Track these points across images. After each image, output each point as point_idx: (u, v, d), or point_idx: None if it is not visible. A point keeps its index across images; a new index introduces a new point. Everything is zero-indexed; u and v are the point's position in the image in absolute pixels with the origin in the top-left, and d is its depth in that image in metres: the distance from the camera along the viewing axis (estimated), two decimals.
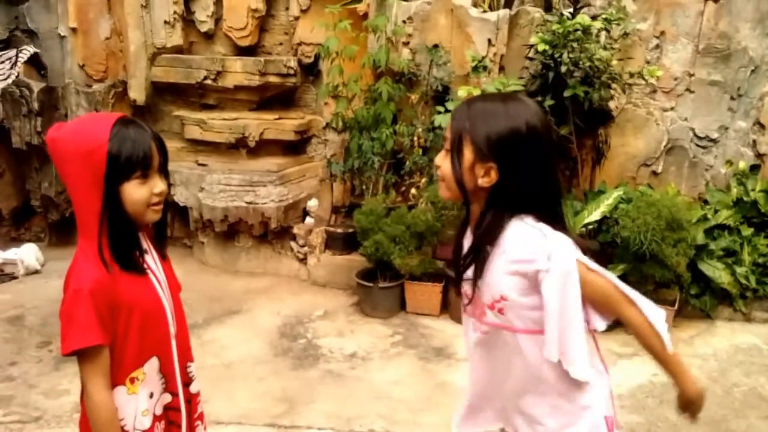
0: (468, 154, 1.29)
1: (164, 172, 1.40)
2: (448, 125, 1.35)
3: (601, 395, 1.38)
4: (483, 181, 1.29)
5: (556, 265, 1.24)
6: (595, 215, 3.87)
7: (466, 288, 1.40)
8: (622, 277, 3.67)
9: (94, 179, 1.29)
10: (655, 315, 1.33)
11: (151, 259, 1.45)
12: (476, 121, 1.29)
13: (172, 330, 1.45)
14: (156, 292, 1.43)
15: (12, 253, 4.65)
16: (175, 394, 1.49)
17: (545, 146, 1.31)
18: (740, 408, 2.97)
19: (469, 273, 1.37)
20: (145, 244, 1.44)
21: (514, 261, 1.28)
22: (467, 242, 1.41)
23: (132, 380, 1.38)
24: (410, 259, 3.87)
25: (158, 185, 1.37)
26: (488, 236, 1.31)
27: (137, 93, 4.80)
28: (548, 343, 1.28)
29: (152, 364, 1.42)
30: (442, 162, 1.35)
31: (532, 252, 1.26)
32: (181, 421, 1.50)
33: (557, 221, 1.32)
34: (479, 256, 1.32)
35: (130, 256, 1.37)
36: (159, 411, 1.45)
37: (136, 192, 1.33)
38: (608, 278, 1.32)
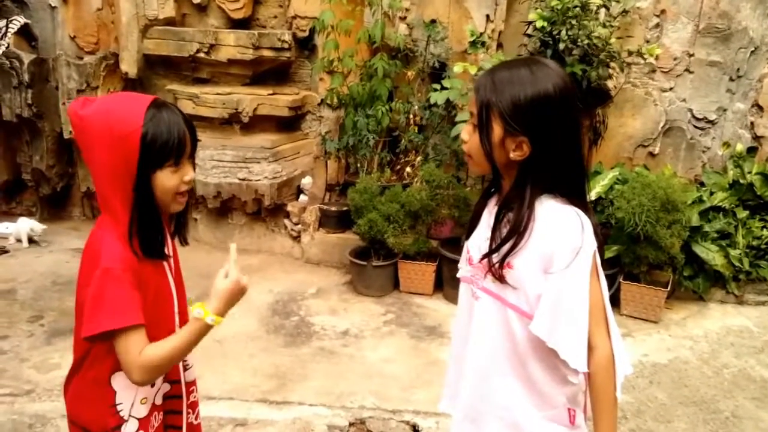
0: (497, 128, 1.22)
1: (193, 158, 1.36)
2: (472, 98, 1.27)
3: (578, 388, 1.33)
4: (515, 155, 1.22)
5: (579, 246, 1.19)
6: (591, 196, 3.86)
7: (473, 253, 1.35)
8: (616, 259, 3.71)
9: (125, 164, 1.23)
10: (621, 354, 1.26)
11: (168, 245, 1.43)
12: (502, 90, 1.21)
13: (177, 318, 1.44)
14: (168, 279, 1.41)
15: (3, 227, 4.62)
16: (174, 382, 1.48)
17: (575, 111, 1.24)
18: (729, 389, 3.00)
19: (482, 244, 1.31)
20: (167, 230, 1.41)
21: (541, 236, 1.22)
22: (488, 215, 1.35)
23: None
24: (404, 238, 3.85)
25: (189, 173, 1.32)
26: (520, 213, 1.23)
27: (129, 66, 4.72)
28: (539, 316, 1.22)
29: None
30: (469, 137, 1.28)
31: (564, 230, 1.21)
32: (182, 408, 1.50)
33: (583, 202, 1.27)
34: (512, 234, 1.25)
35: (155, 243, 1.33)
36: (159, 401, 1.44)
37: (168, 180, 1.28)
38: (602, 293, 1.26)
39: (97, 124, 1.23)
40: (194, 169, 1.36)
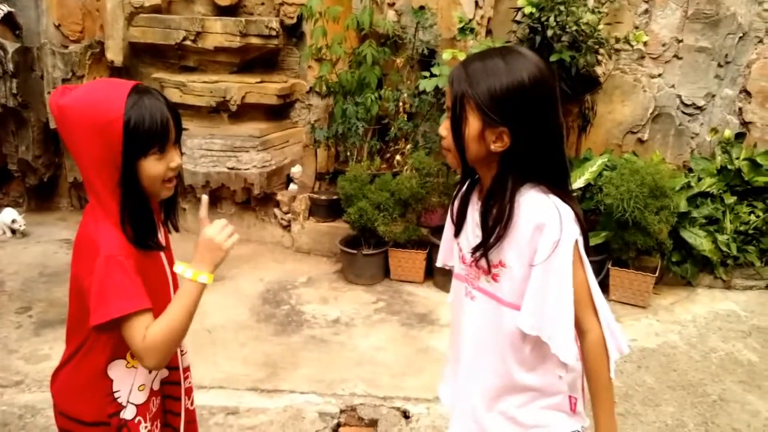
0: (474, 121, 1.19)
1: (178, 143, 1.33)
2: (448, 91, 1.24)
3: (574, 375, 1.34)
4: (496, 147, 1.20)
5: (558, 239, 1.19)
6: (579, 182, 3.87)
7: (465, 252, 1.35)
8: (605, 245, 3.73)
9: (109, 154, 1.20)
10: (615, 335, 1.26)
11: (161, 234, 1.41)
12: (477, 82, 1.18)
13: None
14: (163, 267, 1.40)
15: None
16: (173, 368, 1.47)
17: (554, 98, 1.22)
18: (717, 372, 3.03)
19: (473, 239, 1.30)
20: (156, 218, 1.39)
21: (525, 229, 1.21)
22: (472, 210, 1.33)
23: (133, 354, 1.34)
24: (394, 226, 3.85)
25: (175, 159, 1.29)
26: (503, 205, 1.22)
27: (114, 54, 4.66)
28: (524, 311, 1.22)
29: None
30: (447, 132, 1.25)
31: (544, 223, 1.19)
32: (180, 394, 1.49)
33: (566, 192, 1.26)
34: (496, 227, 1.23)
35: (146, 232, 1.31)
36: (156, 386, 1.44)
37: (153, 168, 1.25)
38: (588, 277, 1.26)
39: (78, 114, 1.20)
40: (180, 155, 1.34)
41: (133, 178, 1.24)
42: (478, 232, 1.29)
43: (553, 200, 1.23)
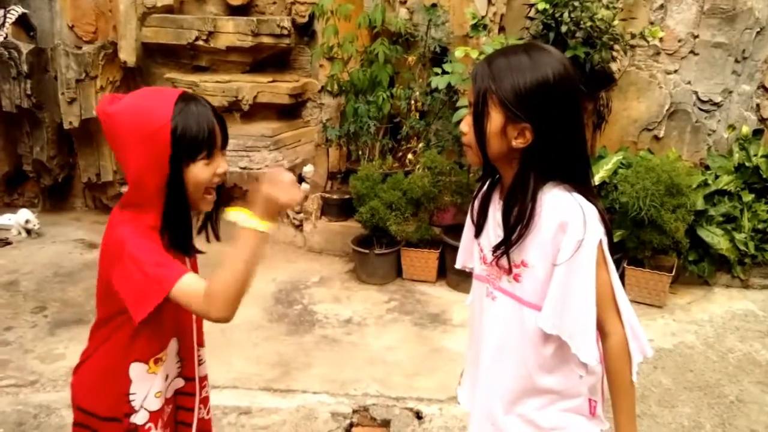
0: (496, 116, 1.19)
1: (224, 149, 1.34)
2: (470, 87, 1.24)
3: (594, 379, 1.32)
4: (518, 143, 1.19)
5: (581, 239, 1.17)
6: (594, 180, 3.82)
7: (486, 252, 1.33)
8: (620, 243, 3.69)
9: (156, 159, 1.22)
10: (638, 337, 1.25)
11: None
12: (501, 78, 1.18)
13: (194, 314, 1.43)
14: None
15: (6, 219, 4.62)
16: (189, 379, 1.47)
17: (576, 95, 1.21)
18: (734, 373, 2.98)
19: (495, 239, 1.28)
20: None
21: (548, 228, 1.19)
22: (493, 210, 1.32)
23: (156, 360, 1.35)
24: (406, 225, 3.83)
25: (221, 165, 1.31)
26: (525, 203, 1.20)
27: (127, 54, 4.68)
28: (546, 310, 1.21)
29: (172, 346, 1.41)
30: (469, 128, 1.23)
31: (567, 222, 1.18)
32: (193, 405, 1.49)
33: (589, 190, 1.25)
34: (518, 225, 1.22)
35: (185, 236, 1.32)
36: (169, 394, 1.44)
37: (201, 173, 1.27)
38: (612, 278, 1.24)
39: (126, 122, 1.23)
40: (226, 161, 1.34)
41: (179, 184, 1.25)
42: (500, 232, 1.27)
43: (577, 198, 1.21)
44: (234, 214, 1.20)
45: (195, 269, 1.45)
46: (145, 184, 1.25)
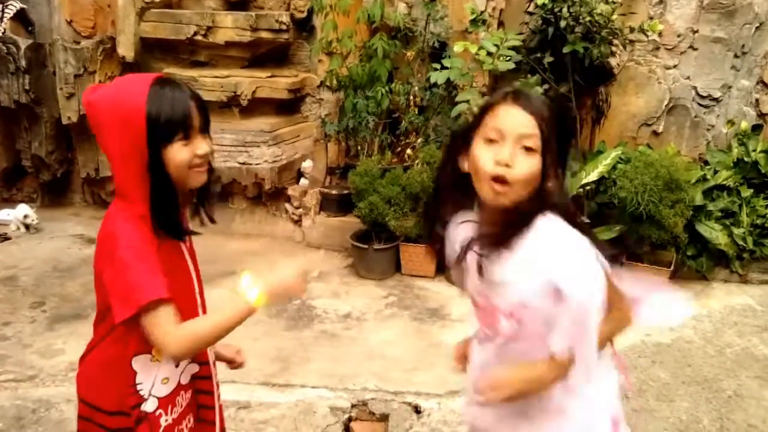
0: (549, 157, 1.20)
1: (206, 133, 1.34)
2: (527, 122, 1.18)
3: (609, 395, 1.35)
4: (552, 186, 1.22)
5: (579, 294, 1.16)
6: (593, 176, 3.82)
7: (474, 294, 1.33)
8: (619, 239, 3.69)
9: (134, 144, 1.24)
10: (666, 305, 1.37)
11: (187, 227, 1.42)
12: (552, 121, 1.19)
13: (199, 299, 1.44)
14: (186, 261, 1.41)
15: (5, 214, 4.61)
16: (203, 363, 1.47)
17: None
18: (732, 368, 2.99)
19: (479, 284, 1.28)
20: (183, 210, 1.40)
21: (543, 265, 1.18)
22: (462, 234, 1.32)
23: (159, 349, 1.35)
24: (405, 220, 3.84)
25: (201, 146, 1.31)
26: (514, 236, 1.20)
27: (126, 49, 4.67)
28: (554, 339, 1.20)
29: None
30: (516, 163, 1.16)
31: (562, 264, 1.17)
32: (212, 388, 1.50)
33: (575, 218, 1.24)
34: (496, 256, 1.22)
35: (173, 220, 1.32)
36: (185, 380, 1.43)
37: (178, 154, 1.27)
38: (623, 294, 1.30)
39: (104, 109, 1.26)
40: (210, 144, 1.34)
41: (159, 166, 1.26)
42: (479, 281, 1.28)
43: (570, 234, 1.21)
44: (245, 275, 1.35)
45: (192, 254, 1.44)
46: (127, 171, 1.27)
